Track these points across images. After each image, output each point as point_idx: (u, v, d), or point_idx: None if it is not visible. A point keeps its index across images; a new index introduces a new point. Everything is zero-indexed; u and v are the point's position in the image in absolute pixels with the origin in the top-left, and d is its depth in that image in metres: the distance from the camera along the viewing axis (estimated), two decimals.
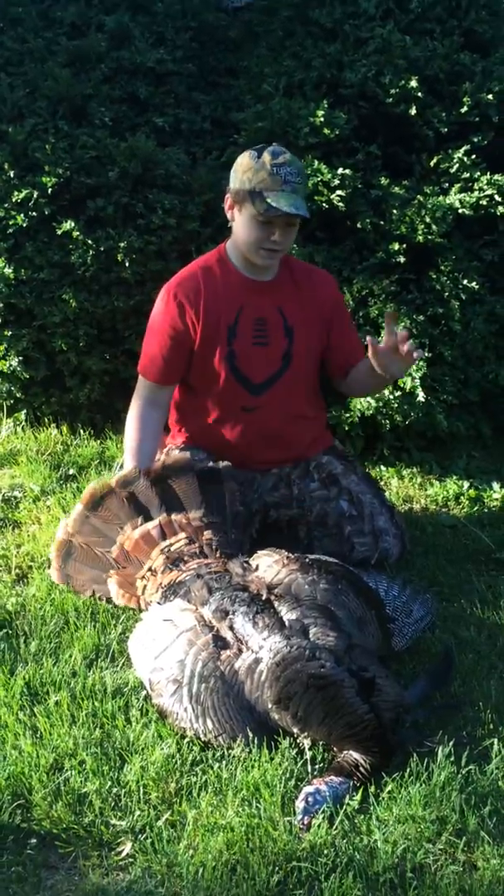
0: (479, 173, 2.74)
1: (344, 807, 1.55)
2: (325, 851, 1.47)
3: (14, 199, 2.76)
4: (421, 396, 2.65)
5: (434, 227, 2.65)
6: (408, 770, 1.62)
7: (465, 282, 2.69)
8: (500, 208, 2.70)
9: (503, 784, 1.60)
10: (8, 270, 2.78)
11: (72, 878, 1.49)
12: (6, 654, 1.97)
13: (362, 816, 1.55)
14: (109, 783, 1.63)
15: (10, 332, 2.87)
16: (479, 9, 3.01)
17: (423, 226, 2.66)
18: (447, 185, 2.77)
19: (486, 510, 2.64)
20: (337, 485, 2.32)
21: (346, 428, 2.77)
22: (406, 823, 1.52)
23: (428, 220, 2.66)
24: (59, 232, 2.75)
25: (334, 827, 1.52)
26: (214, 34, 3.31)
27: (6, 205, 2.78)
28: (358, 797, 1.57)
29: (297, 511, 2.30)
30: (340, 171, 2.69)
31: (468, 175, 2.75)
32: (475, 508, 2.65)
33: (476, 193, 2.71)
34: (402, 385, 2.67)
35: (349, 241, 2.78)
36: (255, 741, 1.67)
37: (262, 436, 2.28)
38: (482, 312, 2.75)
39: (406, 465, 2.86)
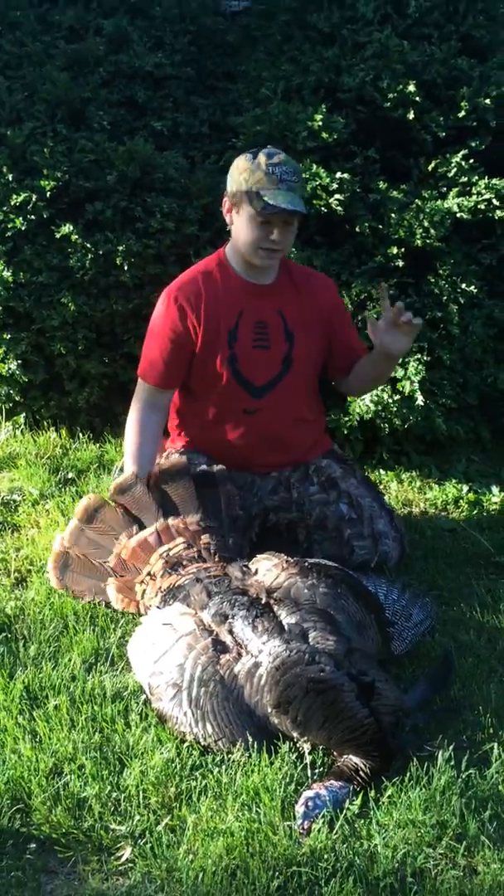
0: (476, 177, 2.75)
1: (344, 811, 1.55)
2: (326, 856, 1.47)
3: (13, 203, 2.77)
4: (420, 400, 2.65)
5: (432, 231, 2.66)
6: (408, 774, 1.62)
7: (463, 286, 2.69)
8: (498, 212, 2.71)
9: (503, 788, 1.60)
10: (7, 274, 2.78)
11: (71, 882, 1.49)
12: (5, 658, 1.97)
13: (362, 821, 1.55)
14: (109, 788, 1.62)
15: (8, 336, 2.87)
16: (477, 14, 3.01)
17: (421, 230, 2.67)
18: (445, 189, 2.77)
19: (485, 514, 2.65)
20: (336, 488, 2.32)
21: (346, 431, 2.77)
22: (406, 828, 1.52)
23: (426, 224, 2.67)
24: (57, 235, 2.76)
25: (334, 831, 1.52)
26: (212, 38, 3.32)
27: (5, 208, 2.78)
28: (358, 801, 1.57)
29: (297, 514, 2.30)
30: (339, 175, 2.69)
31: (466, 179, 2.76)
32: (474, 512, 2.65)
33: (474, 198, 2.72)
34: (400, 389, 2.68)
35: (348, 245, 2.78)
36: (255, 745, 1.67)
37: (263, 439, 2.28)
38: (481, 316, 2.76)
39: (405, 469, 2.86)
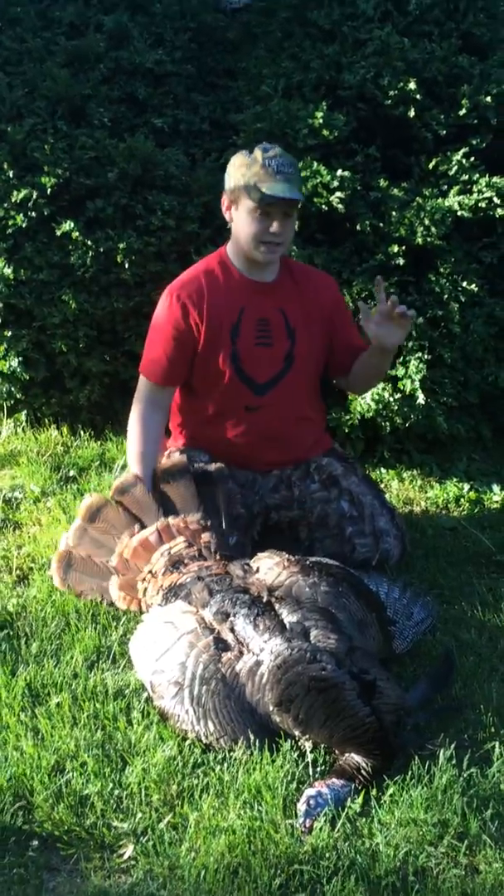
0: (477, 175, 2.74)
1: (345, 810, 1.56)
2: (327, 854, 1.48)
3: (13, 200, 2.76)
4: (421, 399, 2.65)
5: (433, 229, 2.66)
6: (409, 773, 1.62)
7: (464, 284, 2.69)
8: (499, 210, 2.70)
9: None
10: (7, 271, 2.77)
11: (73, 880, 1.49)
12: (7, 655, 1.98)
13: (364, 819, 1.55)
14: (111, 785, 1.63)
15: (9, 333, 2.87)
16: (477, 11, 3.01)
17: (422, 228, 2.67)
18: (446, 187, 2.77)
19: (486, 512, 2.65)
20: (337, 486, 2.32)
21: (347, 430, 2.77)
22: (408, 827, 1.52)
23: (427, 222, 2.66)
24: (58, 233, 2.75)
25: (336, 830, 1.52)
26: (213, 35, 3.31)
27: (5, 205, 2.77)
28: (359, 800, 1.58)
29: (298, 512, 2.31)
30: (339, 172, 2.69)
31: (467, 177, 2.75)
32: (475, 511, 2.65)
33: (475, 196, 2.71)
34: (401, 387, 2.68)
35: (348, 244, 2.78)
36: (257, 743, 1.67)
37: (265, 436, 2.28)
38: (482, 315, 2.75)
39: (406, 468, 2.87)
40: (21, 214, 2.76)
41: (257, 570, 1.97)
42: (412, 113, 2.79)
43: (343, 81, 2.86)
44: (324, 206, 2.69)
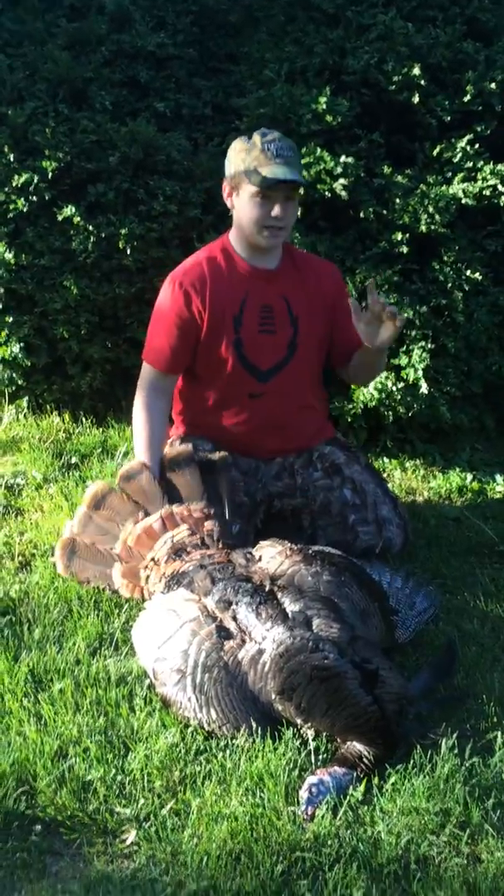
0: (482, 163, 2.72)
1: (347, 798, 1.56)
2: (329, 842, 1.48)
3: (14, 184, 2.74)
4: (424, 388, 2.64)
5: (437, 216, 2.64)
6: (411, 762, 1.63)
7: (468, 272, 2.68)
8: None
9: None
10: (9, 256, 2.76)
11: (76, 864, 1.50)
12: (10, 641, 1.98)
13: (366, 807, 1.56)
14: (114, 771, 1.63)
15: (11, 319, 2.86)
16: None
17: (426, 215, 2.65)
18: (450, 174, 2.75)
19: (489, 502, 2.65)
20: (340, 474, 2.33)
21: (349, 419, 2.77)
22: (410, 815, 1.53)
23: (431, 209, 2.65)
24: (59, 218, 2.73)
25: (338, 818, 1.53)
26: (215, 18, 3.28)
27: (6, 189, 2.75)
28: (361, 788, 1.59)
29: (301, 500, 2.31)
30: (343, 159, 2.67)
31: (471, 164, 2.73)
32: (478, 501, 2.65)
33: (479, 183, 2.69)
34: (405, 376, 2.67)
35: (352, 231, 2.76)
36: (259, 731, 1.68)
37: (267, 424, 2.28)
38: (485, 303, 2.74)
39: (409, 457, 2.86)
40: (22, 199, 2.74)
41: (260, 559, 1.97)
42: (416, 99, 2.77)
43: (347, 66, 2.84)
44: (327, 193, 2.68)
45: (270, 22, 3.14)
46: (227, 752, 1.67)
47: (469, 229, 2.78)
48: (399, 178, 2.72)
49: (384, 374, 2.67)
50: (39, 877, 1.47)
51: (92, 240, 2.72)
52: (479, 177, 2.71)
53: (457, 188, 2.68)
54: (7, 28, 3.10)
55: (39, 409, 3.07)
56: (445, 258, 2.70)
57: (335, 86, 2.82)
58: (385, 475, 2.66)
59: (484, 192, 2.69)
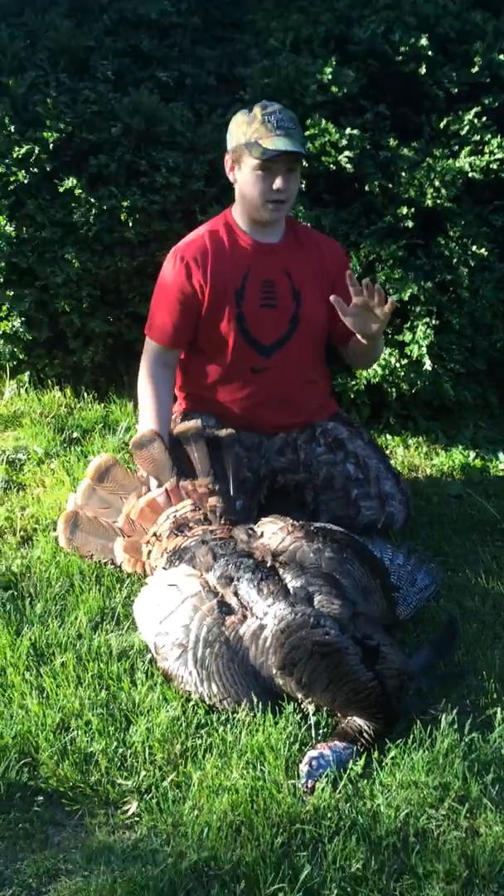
0: (489, 136, 2.69)
1: (347, 771, 1.57)
2: (329, 814, 1.49)
3: (15, 155, 2.70)
4: (428, 365, 2.63)
5: (443, 190, 2.61)
6: (411, 737, 1.63)
7: (474, 248, 2.65)
8: None
9: None
10: (9, 228, 2.72)
11: (78, 835, 1.51)
12: (12, 616, 1.98)
13: (365, 781, 1.57)
14: (115, 743, 1.65)
15: (12, 293, 2.83)
16: None
17: (432, 189, 2.62)
18: (457, 147, 2.71)
19: (491, 480, 2.65)
20: (343, 449, 2.33)
21: (352, 396, 2.76)
22: (409, 789, 1.54)
23: (437, 183, 2.61)
24: (61, 190, 2.70)
25: (338, 791, 1.54)
26: None
27: (7, 161, 2.72)
28: (361, 762, 1.60)
29: (304, 475, 2.31)
30: (348, 131, 2.63)
31: (479, 138, 2.70)
32: (481, 478, 2.65)
33: (486, 157, 2.66)
34: (408, 353, 2.65)
35: (357, 204, 2.73)
36: (260, 706, 1.69)
37: (271, 399, 2.28)
38: (491, 279, 2.72)
39: (412, 435, 2.86)
40: (23, 171, 2.70)
41: (261, 535, 1.97)
42: (423, 70, 2.73)
43: (353, 36, 2.80)
44: (332, 166, 2.64)
45: None
46: (228, 725, 1.68)
47: (475, 204, 2.74)
48: (405, 150, 2.68)
49: (387, 350, 2.65)
50: (42, 847, 1.49)
51: (93, 212, 2.69)
52: (487, 150, 2.68)
53: (463, 162, 2.64)
54: None
55: (41, 383, 3.06)
56: (451, 233, 2.67)
57: (341, 56, 2.78)
58: (387, 452, 2.65)
59: (491, 166, 2.66)
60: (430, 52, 2.71)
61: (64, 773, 1.59)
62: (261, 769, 1.58)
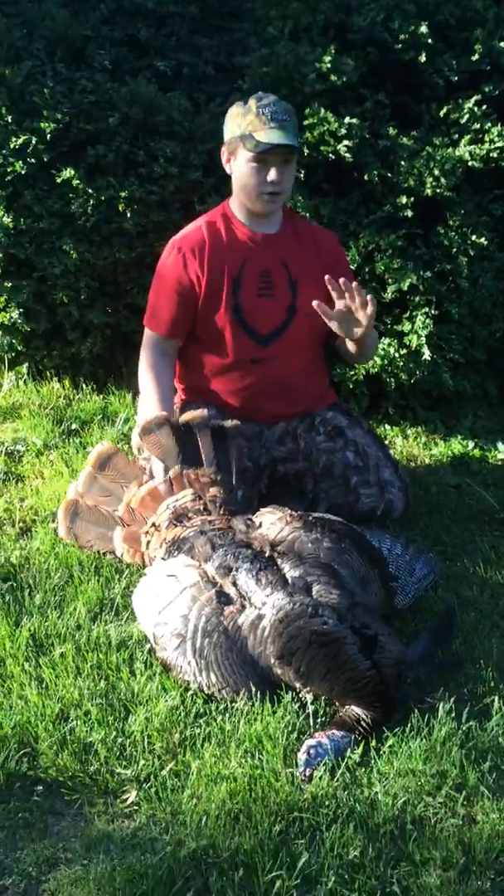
0: (489, 124, 2.67)
1: (345, 760, 1.58)
2: (327, 802, 1.50)
3: (12, 146, 2.69)
4: (427, 354, 2.62)
5: (443, 179, 2.59)
6: (409, 725, 1.64)
7: (473, 237, 2.64)
8: None
9: (503, 740, 1.63)
10: (7, 219, 2.72)
11: (78, 824, 1.52)
12: (11, 607, 1.99)
13: (363, 769, 1.58)
14: (114, 733, 1.65)
15: (10, 284, 2.83)
16: None
17: (431, 178, 2.60)
18: (457, 136, 2.69)
19: (490, 470, 2.64)
20: (343, 437, 2.34)
21: (351, 386, 2.75)
22: (406, 777, 1.54)
23: (437, 172, 2.60)
24: (58, 180, 2.69)
25: (335, 779, 1.55)
26: None
27: (4, 151, 2.71)
28: (359, 751, 1.60)
29: (304, 464, 2.32)
30: (347, 120, 2.61)
31: (479, 126, 2.68)
32: (480, 468, 2.65)
33: (486, 145, 2.64)
34: (407, 343, 2.65)
35: (356, 194, 2.72)
36: (258, 695, 1.69)
37: (271, 388, 2.28)
38: (491, 269, 2.70)
39: (411, 424, 2.85)
40: (20, 161, 2.69)
41: (260, 526, 1.97)
42: (423, 58, 2.71)
43: (352, 24, 2.77)
44: (331, 155, 2.63)
45: None
46: (227, 714, 1.68)
47: (475, 193, 2.73)
48: (404, 139, 2.66)
49: (386, 340, 2.65)
50: (41, 836, 1.49)
51: (91, 203, 2.68)
52: (487, 139, 2.66)
53: (463, 150, 2.63)
54: None
55: (39, 375, 3.06)
56: (451, 222, 2.66)
57: (340, 44, 2.75)
58: (386, 442, 2.65)
59: (491, 155, 2.64)
60: (429, 40, 2.69)
61: (63, 762, 1.60)
62: (259, 758, 1.59)
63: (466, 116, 2.69)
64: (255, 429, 2.31)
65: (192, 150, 2.77)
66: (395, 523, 2.32)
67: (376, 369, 2.68)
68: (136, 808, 1.53)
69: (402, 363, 2.66)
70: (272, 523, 1.95)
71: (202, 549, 1.91)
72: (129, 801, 1.54)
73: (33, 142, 2.67)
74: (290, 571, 1.81)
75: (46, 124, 2.67)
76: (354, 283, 2.05)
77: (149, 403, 2.22)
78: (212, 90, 2.94)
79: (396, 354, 2.65)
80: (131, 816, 1.52)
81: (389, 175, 2.66)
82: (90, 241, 2.76)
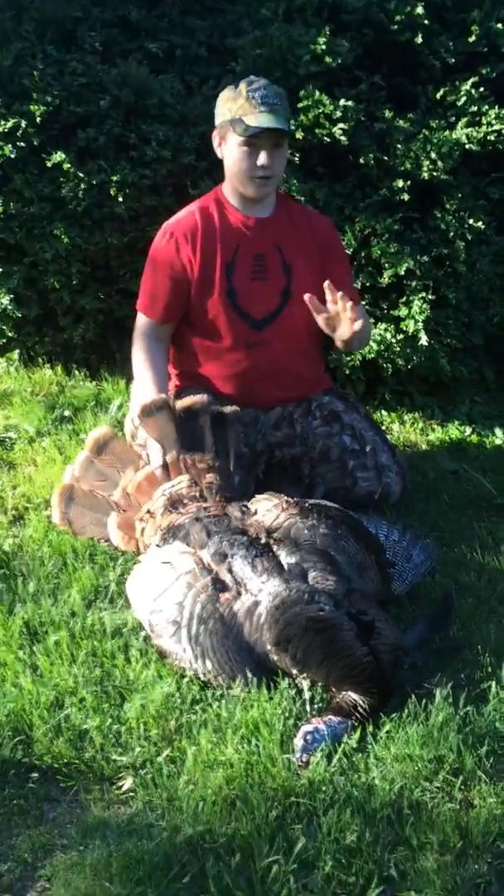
0: (486, 107, 2.64)
1: (342, 745, 1.57)
2: (324, 788, 1.50)
3: (1, 129, 2.65)
4: (424, 340, 2.60)
5: (440, 162, 2.57)
6: (406, 711, 1.64)
7: (470, 221, 2.61)
8: None
9: (500, 725, 1.63)
10: None
11: (73, 811, 1.51)
12: (4, 595, 1.98)
13: (360, 755, 1.57)
14: (110, 720, 1.64)
15: (0, 269, 2.79)
16: None
17: (428, 162, 2.58)
18: (454, 118, 2.66)
19: (488, 455, 2.63)
20: (339, 421, 2.33)
21: (347, 372, 2.73)
22: (404, 762, 1.54)
23: (433, 155, 2.57)
24: (49, 164, 2.65)
25: (332, 764, 1.54)
26: None
27: None
28: (356, 736, 1.60)
29: (301, 449, 2.31)
30: (343, 102, 2.58)
31: (476, 109, 2.65)
32: (477, 454, 2.64)
33: (484, 128, 2.62)
34: (404, 328, 2.63)
35: (351, 177, 2.69)
36: (254, 681, 1.68)
37: (266, 372, 2.27)
38: (488, 253, 2.68)
39: (408, 410, 2.84)
40: (9, 145, 2.65)
41: (255, 512, 1.96)
42: (419, 39, 2.67)
43: (347, 5, 2.73)
44: (326, 138, 2.60)
45: None
46: (223, 701, 1.67)
47: (472, 176, 2.70)
48: (401, 122, 2.64)
49: (383, 325, 2.63)
50: (37, 823, 1.49)
51: (83, 187, 2.65)
52: (484, 121, 2.63)
53: (460, 133, 2.60)
54: None
55: (31, 361, 3.03)
56: (448, 206, 2.63)
57: (335, 25, 2.71)
58: (383, 428, 2.63)
59: (489, 137, 2.62)
60: (426, 21, 2.65)
61: (58, 749, 1.59)
62: (255, 744, 1.58)
63: (463, 99, 2.66)
64: (251, 414, 2.30)
65: (184, 134, 2.73)
66: (393, 509, 2.31)
67: (373, 355, 2.66)
68: (132, 794, 1.53)
69: (398, 349, 2.64)
70: (268, 510, 1.94)
71: (197, 536, 1.90)
72: (125, 788, 1.54)
73: (23, 125, 2.63)
74: (287, 558, 1.80)
75: (36, 107, 2.63)
76: (350, 303, 2.03)
77: (144, 388, 2.20)
78: (205, 72, 2.90)
79: (393, 340, 2.63)
80: (127, 803, 1.52)
81: (385, 158, 2.63)
82: (81, 226, 2.72)
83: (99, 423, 2.71)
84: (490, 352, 2.89)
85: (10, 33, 2.81)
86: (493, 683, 1.71)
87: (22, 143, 2.65)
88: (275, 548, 1.82)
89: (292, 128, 2.50)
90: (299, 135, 2.58)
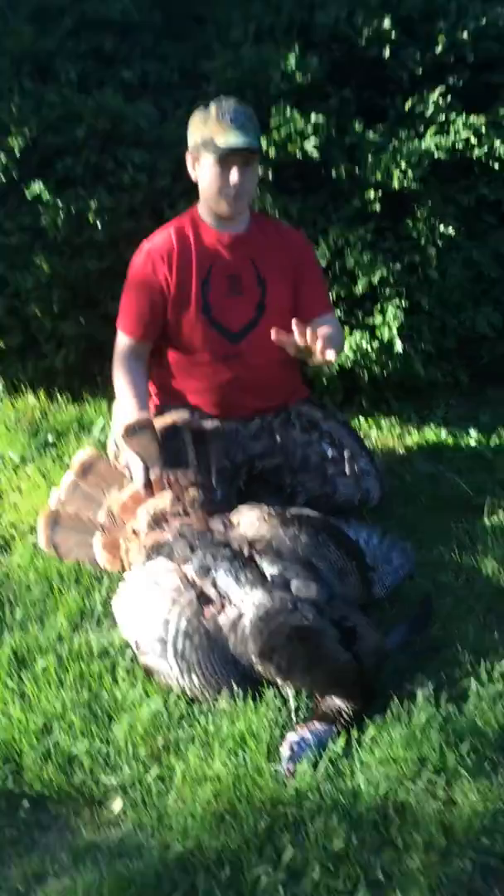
0: (454, 115, 2.67)
1: (328, 752, 1.57)
2: (310, 796, 1.50)
3: None
4: (399, 347, 2.62)
5: (410, 172, 2.59)
6: (389, 713, 1.64)
7: (441, 228, 2.64)
8: (476, 151, 2.64)
9: (480, 722, 1.62)
10: None
11: (64, 836, 1.51)
12: None
13: (345, 760, 1.57)
14: (98, 742, 1.65)
15: None
16: None
17: (398, 172, 2.60)
18: (422, 128, 2.69)
19: (463, 457, 2.63)
20: (318, 429, 2.35)
21: (325, 381, 2.75)
22: (388, 765, 1.54)
23: (403, 165, 2.60)
24: (29, 196, 2.68)
25: (318, 772, 1.54)
26: None
27: None
28: (341, 742, 1.60)
29: (281, 458, 2.33)
30: (314, 118, 2.61)
31: (443, 117, 2.68)
32: (453, 456, 2.63)
33: (452, 136, 2.64)
34: (379, 335, 2.64)
35: (324, 191, 2.72)
36: (240, 693, 1.69)
37: (245, 383, 2.29)
38: (459, 258, 2.70)
39: (385, 416, 2.84)
40: None
41: (238, 525, 1.97)
42: (387, 53, 2.71)
43: (315, 22, 2.77)
44: (298, 154, 2.63)
45: None
46: (210, 715, 1.68)
47: (441, 184, 2.72)
48: (371, 134, 2.66)
49: (358, 334, 2.65)
50: (28, 850, 1.49)
51: (61, 216, 2.68)
52: (452, 130, 2.66)
53: (429, 142, 2.63)
54: None
55: (14, 389, 3.02)
56: (418, 214, 2.66)
57: (304, 42, 2.75)
58: (362, 434, 2.63)
59: (457, 146, 2.64)
60: (393, 34, 2.69)
61: (48, 775, 1.60)
62: (243, 756, 1.58)
63: (431, 108, 2.69)
64: (231, 426, 2.31)
65: (160, 157, 2.77)
66: (372, 513, 2.31)
67: (349, 364, 2.68)
68: (122, 815, 1.52)
69: (374, 356, 2.66)
70: (250, 522, 1.95)
71: (181, 552, 1.91)
72: (115, 810, 1.53)
73: (2, 159, 2.68)
74: (269, 568, 1.81)
75: (14, 140, 2.68)
76: (320, 343, 1.94)
77: (126, 407, 2.22)
78: (178, 96, 2.94)
79: (369, 347, 2.65)
80: (117, 824, 1.52)
81: (357, 170, 2.66)
82: (61, 254, 2.76)
83: (82, 446, 2.71)
84: (463, 355, 2.89)
85: None
86: (472, 679, 1.71)
87: (2, 177, 2.69)
88: (257, 559, 1.83)
89: (265, 145, 2.54)
90: (272, 152, 2.62)
